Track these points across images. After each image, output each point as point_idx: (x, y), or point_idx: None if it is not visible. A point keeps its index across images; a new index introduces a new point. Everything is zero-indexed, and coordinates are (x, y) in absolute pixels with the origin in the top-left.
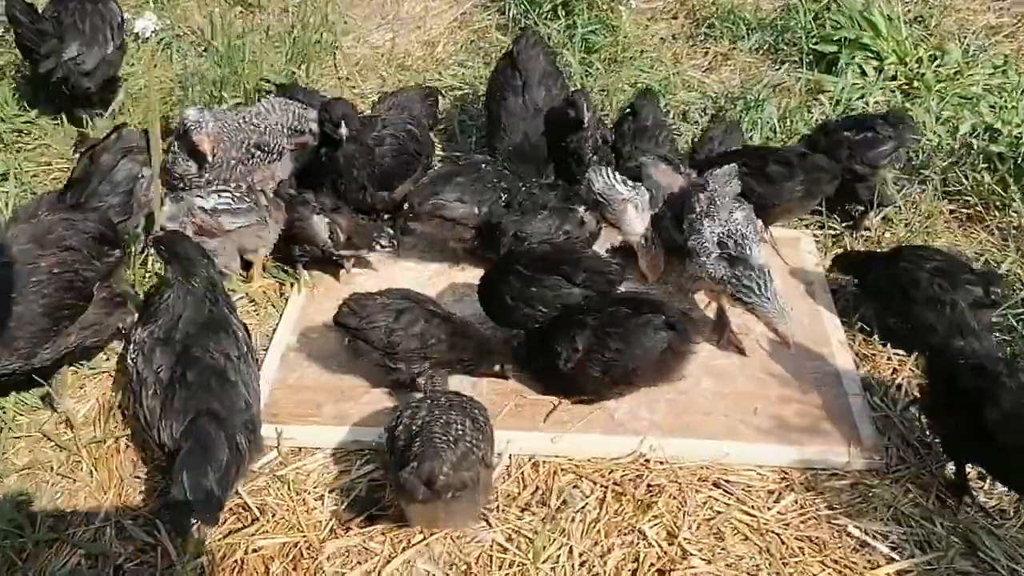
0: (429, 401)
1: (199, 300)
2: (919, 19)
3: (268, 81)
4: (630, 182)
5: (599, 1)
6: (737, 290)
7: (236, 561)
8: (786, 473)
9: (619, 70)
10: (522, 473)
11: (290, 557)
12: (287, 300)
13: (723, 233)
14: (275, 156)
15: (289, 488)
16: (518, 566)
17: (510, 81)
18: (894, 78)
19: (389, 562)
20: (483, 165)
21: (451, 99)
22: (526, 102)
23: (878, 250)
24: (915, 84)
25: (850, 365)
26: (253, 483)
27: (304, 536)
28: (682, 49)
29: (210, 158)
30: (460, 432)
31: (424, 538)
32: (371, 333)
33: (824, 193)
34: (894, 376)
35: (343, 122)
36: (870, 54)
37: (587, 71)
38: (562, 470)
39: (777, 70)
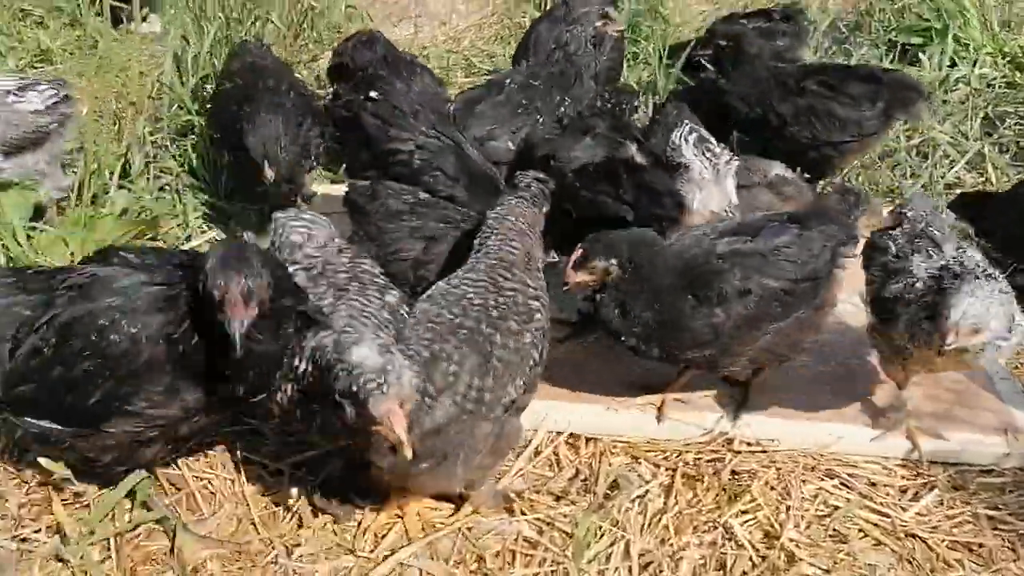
0: None
1: None
2: (1007, 24)
3: None
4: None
5: None
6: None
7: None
8: (920, 468)
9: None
10: (556, 453)
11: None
12: None
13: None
14: None
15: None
16: (551, 564)
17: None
18: (994, 64)
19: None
20: (508, 82)
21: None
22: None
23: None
24: (1017, 75)
25: None
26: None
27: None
28: None
29: None
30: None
31: (426, 533)
32: None
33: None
34: None
35: None
36: (961, 46)
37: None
38: (611, 451)
39: (859, 52)
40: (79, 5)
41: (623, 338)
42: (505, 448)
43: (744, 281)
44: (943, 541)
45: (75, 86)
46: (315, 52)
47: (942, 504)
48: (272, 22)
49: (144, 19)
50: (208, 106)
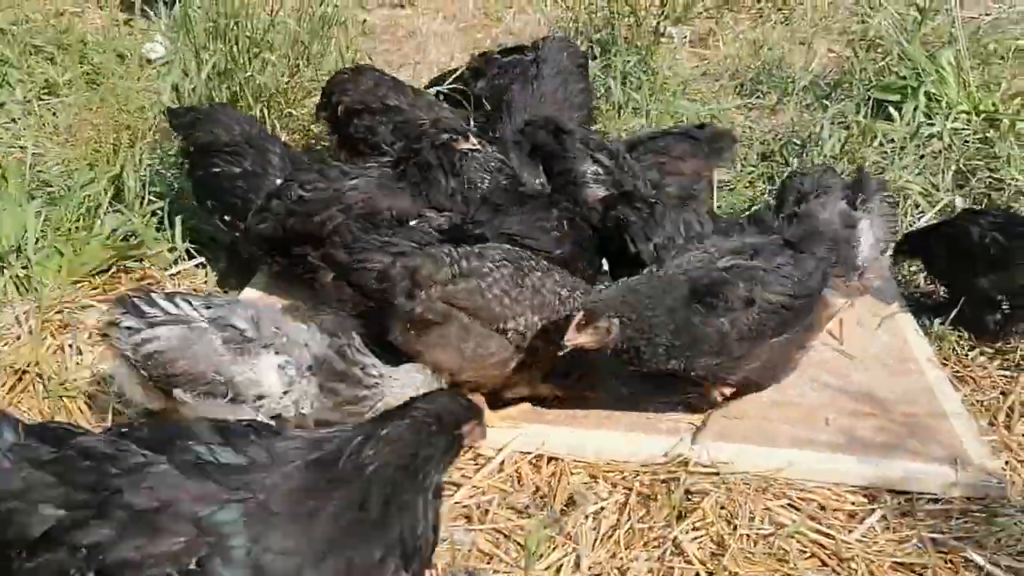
0: None
1: None
2: (986, 84)
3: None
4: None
5: (637, 42)
6: None
7: None
8: (871, 495)
9: (661, 106)
10: (518, 471)
11: None
12: None
13: None
14: None
15: None
16: (504, 574)
17: (526, 70)
18: (968, 123)
19: None
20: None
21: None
22: (534, 91)
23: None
24: (991, 131)
25: (945, 382)
26: None
27: None
28: (727, 100)
29: None
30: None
31: None
32: None
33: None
34: (1004, 397)
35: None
36: (936, 103)
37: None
38: (572, 471)
39: (837, 105)
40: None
41: (648, 364)
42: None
43: (748, 291)
44: (886, 563)
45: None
46: (310, 88)
47: (888, 528)
48: (272, 62)
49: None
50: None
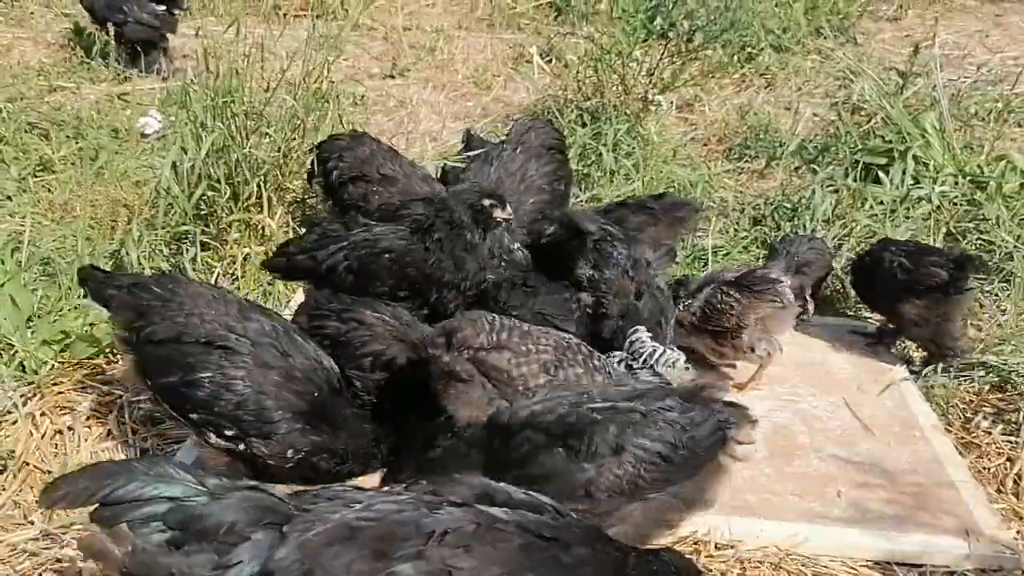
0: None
1: None
2: (968, 147)
3: None
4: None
5: (626, 110)
6: None
7: None
8: (886, 567)
9: (652, 171)
10: None
11: None
12: None
13: None
14: None
15: None
16: None
17: (499, 152)
18: (956, 184)
19: None
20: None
21: None
22: (493, 170)
23: None
24: (978, 193)
25: (951, 450)
26: None
27: None
28: (716, 164)
29: None
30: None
31: None
32: None
33: None
34: (1010, 464)
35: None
36: (922, 166)
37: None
38: None
39: (823, 170)
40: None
41: None
42: None
43: (619, 437)
44: None
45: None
46: (304, 161)
47: None
48: (269, 135)
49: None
50: None
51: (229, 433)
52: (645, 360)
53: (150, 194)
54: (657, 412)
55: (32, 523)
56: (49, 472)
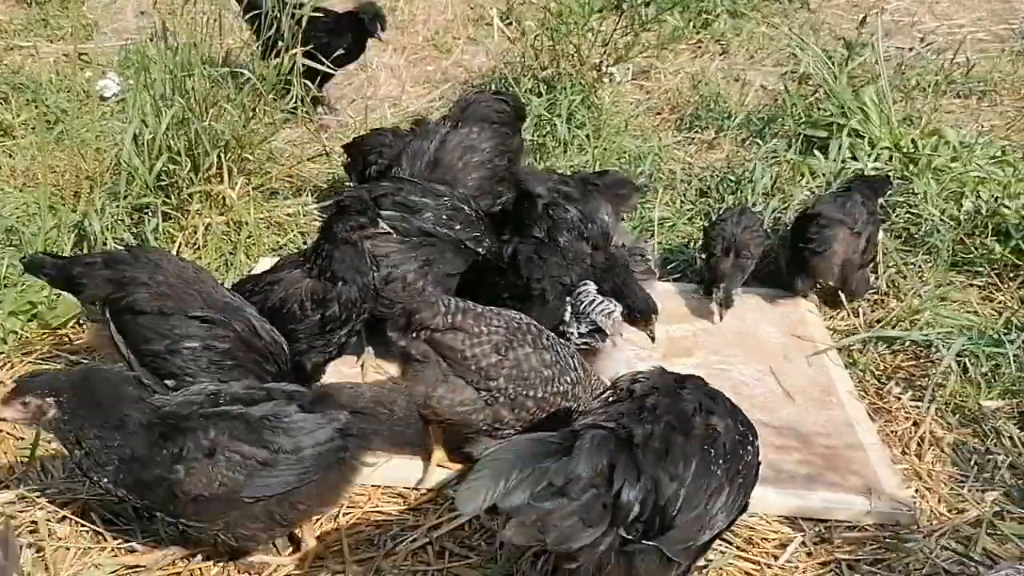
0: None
1: None
2: (907, 119)
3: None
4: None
5: (581, 80)
6: None
7: None
8: (794, 522)
9: (604, 143)
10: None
11: None
12: None
13: None
14: None
15: None
16: None
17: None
18: (889, 159)
19: None
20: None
21: None
22: (431, 142)
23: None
24: (910, 168)
25: (863, 415)
26: None
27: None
28: (667, 135)
29: None
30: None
31: None
32: None
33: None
34: (915, 427)
35: None
36: (860, 139)
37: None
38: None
39: (767, 144)
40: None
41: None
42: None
43: (212, 441)
44: None
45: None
46: (265, 135)
47: (810, 555)
48: (227, 109)
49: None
50: None
51: None
52: (584, 309)
53: (111, 162)
54: (267, 417)
55: (8, 487)
56: (22, 439)
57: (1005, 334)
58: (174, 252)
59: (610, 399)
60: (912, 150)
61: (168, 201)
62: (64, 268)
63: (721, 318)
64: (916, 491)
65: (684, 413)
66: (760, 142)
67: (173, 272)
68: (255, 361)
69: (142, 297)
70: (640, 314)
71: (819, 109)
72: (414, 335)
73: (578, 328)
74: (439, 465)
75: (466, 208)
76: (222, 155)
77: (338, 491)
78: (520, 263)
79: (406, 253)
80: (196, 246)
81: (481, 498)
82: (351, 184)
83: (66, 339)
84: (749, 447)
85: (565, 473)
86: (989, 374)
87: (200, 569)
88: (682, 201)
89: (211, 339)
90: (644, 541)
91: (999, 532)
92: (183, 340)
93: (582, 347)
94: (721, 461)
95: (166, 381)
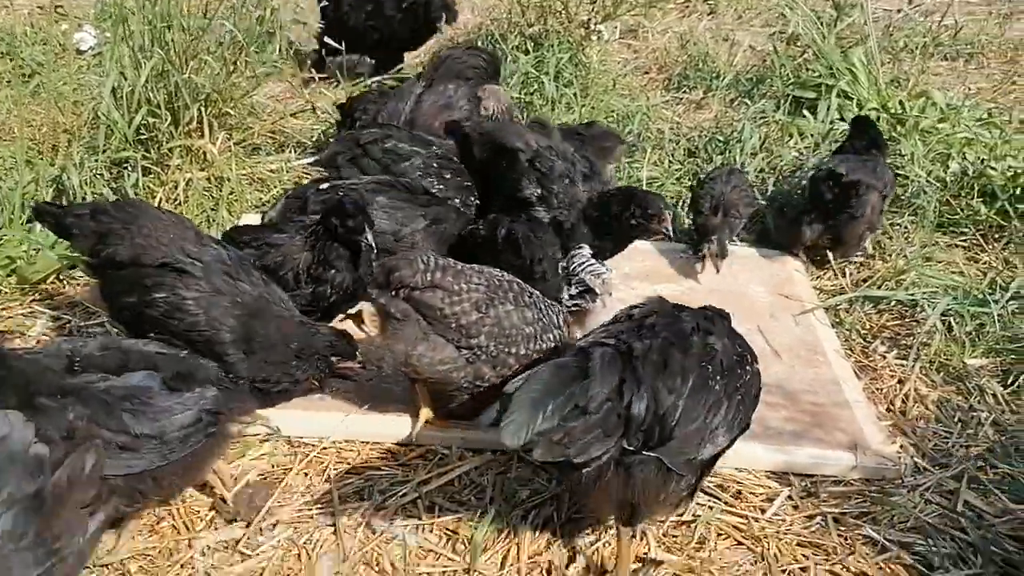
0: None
1: None
2: (895, 81)
3: None
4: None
5: (568, 37)
6: None
7: None
8: (781, 477)
9: (592, 101)
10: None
11: (156, 551)
12: None
13: None
14: None
15: None
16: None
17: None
18: (877, 120)
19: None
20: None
21: None
22: (409, 97)
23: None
24: (898, 129)
25: (849, 373)
26: None
27: (174, 527)
28: (655, 95)
29: None
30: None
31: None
32: None
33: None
34: (900, 385)
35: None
36: (848, 101)
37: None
38: (516, 467)
39: (755, 104)
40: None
41: None
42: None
43: (71, 424)
44: (793, 541)
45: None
46: (247, 89)
47: (796, 508)
48: (208, 61)
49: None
50: None
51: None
52: (574, 271)
53: (88, 115)
54: (130, 398)
55: None
56: None
57: (989, 294)
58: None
59: (610, 322)
60: (900, 112)
61: (148, 156)
62: (60, 217)
63: (718, 269)
64: (901, 447)
65: (682, 332)
66: (748, 102)
67: (152, 222)
68: (226, 308)
69: (120, 249)
70: (652, 212)
71: (807, 70)
72: (394, 293)
73: (568, 290)
74: (427, 422)
75: (453, 159)
76: (203, 109)
77: (205, 465)
78: (520, 244)
79: (414, 211)
80: (177, 202)
81: (524, 432)
82: (334, 139)
83: (47, 294)
84: (747, 367)
85: (588, 394)
86: (973, 333)
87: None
88: (670, 161)
89: (182, 288)
90: (644, 452)
91: (982, 486)
92: (154, 291)
93: (572, 308)
94: (719, 377)
95: (149, 334)
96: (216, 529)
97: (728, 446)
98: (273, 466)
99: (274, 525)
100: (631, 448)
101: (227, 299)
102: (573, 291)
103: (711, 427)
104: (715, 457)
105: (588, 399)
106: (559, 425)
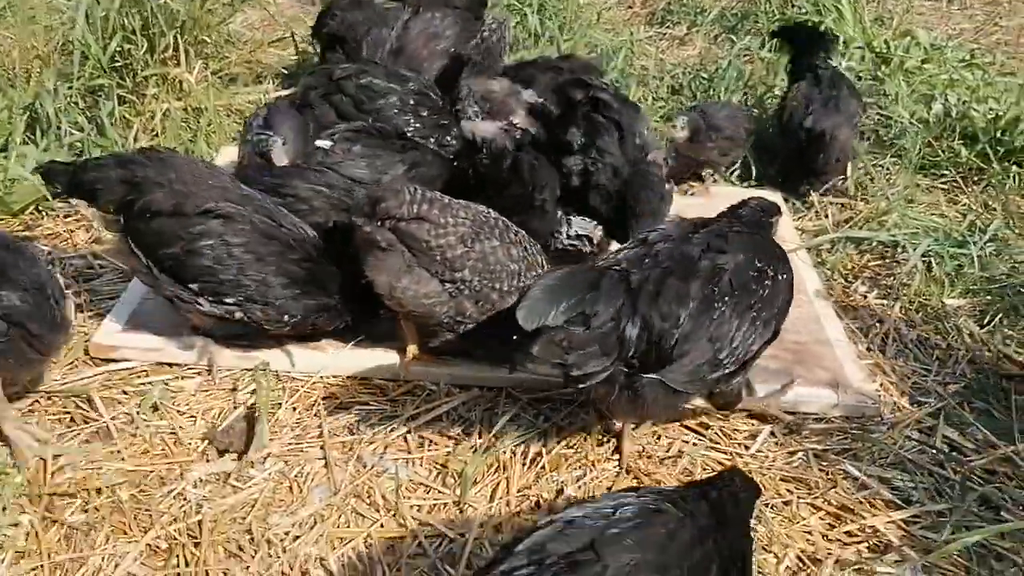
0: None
1: None
2: (879, 19)
3: None
4: None
5: None
6: None
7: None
8: (762, 416)
9: (575, 35)
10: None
11: (148, 479)
12: None
13: None
14: None
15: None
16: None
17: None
18: (862, 59)
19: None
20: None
21: None
22: (391, 31)
23: None
24: (882, 68)
25: (831, 312)
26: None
27: (167, 459)
28: (639, 30)
29: None
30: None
31: (324, 461)
32: None
33: None
34: (880, 324)
35: None
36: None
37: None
38: (504, 403)
39: (740, 41)
40: None
41: None
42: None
43: None
44: (777, 476)
45: None
46: (223, 16)
47: (778, 444)
48: None
49: None
50: None
51: (229, 300)
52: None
53: (59, 41)
54: None
55: None
56: None
57: (968, 235)
58: (131, 138)
59: (627, 245)
60: (884, 50)
61: (123, 84)
62: (76, 174)
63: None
64: (880, 385)
65: (688, 257)
66: (733, 39)
67: (187, 169)
68: (278, 253)
69: (156, 198)
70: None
71: (793, 6)
72: (379, 223)
73: (567, 230)
74: (414, 357)
75: (431, 94)
76: (178, 36)
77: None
78: (524, 171)
79: (392, 157)
80: (154, 132)
81: (539, 318)
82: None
83: (25, 226)
84: (767, 281)
85: (594, 307)
86: (952, 274)
87: None
88: (654, 98)
89: (230, 234)
90: (645, 375)
91: (959, 422)
92: (200, 239)
93: (568, 248)
94: (727, 298)
95: (190, 285)
96: (208, 461)
97: (755, 357)
98: (263, 400)
99: (265, 458)
100: (629, 371)
101: (276, 244)
102: (572, 231)
103: (721, 346)
104: (740, 368)
105: (594, 312)
106: (563, 326)
